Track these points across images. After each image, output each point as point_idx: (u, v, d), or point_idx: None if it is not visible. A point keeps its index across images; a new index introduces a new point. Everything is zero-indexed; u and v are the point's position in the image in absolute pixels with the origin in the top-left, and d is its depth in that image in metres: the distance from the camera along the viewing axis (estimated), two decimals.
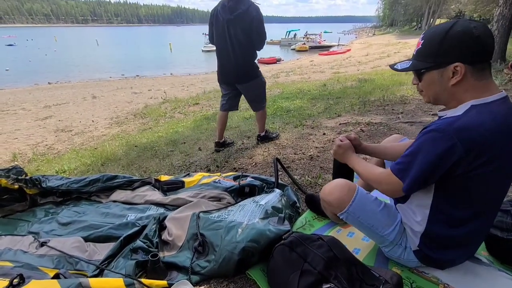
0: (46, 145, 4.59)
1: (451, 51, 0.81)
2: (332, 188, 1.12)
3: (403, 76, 6.02)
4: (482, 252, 1.22)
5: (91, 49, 37.73)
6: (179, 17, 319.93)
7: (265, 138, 2.75)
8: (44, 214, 1.87)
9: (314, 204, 1.50)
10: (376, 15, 66.96)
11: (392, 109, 3.44)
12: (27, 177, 2.06)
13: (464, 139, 0.77)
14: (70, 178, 2.12)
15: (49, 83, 14.91)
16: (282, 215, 1.24)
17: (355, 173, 1.21)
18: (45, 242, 1.41)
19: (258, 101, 2.56)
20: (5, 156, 4.10)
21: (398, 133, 2.57)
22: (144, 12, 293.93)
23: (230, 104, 2.58)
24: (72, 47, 40.29)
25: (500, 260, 1.18)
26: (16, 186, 1.97)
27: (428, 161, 0.81)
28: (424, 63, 0.87)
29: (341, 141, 1.21)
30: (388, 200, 1.25)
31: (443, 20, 43.78)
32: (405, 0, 42.83)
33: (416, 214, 1.00)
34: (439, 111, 0.99)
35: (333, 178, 1.35)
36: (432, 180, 0.88)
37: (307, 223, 1.43)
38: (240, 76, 2.32)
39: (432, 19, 39.33)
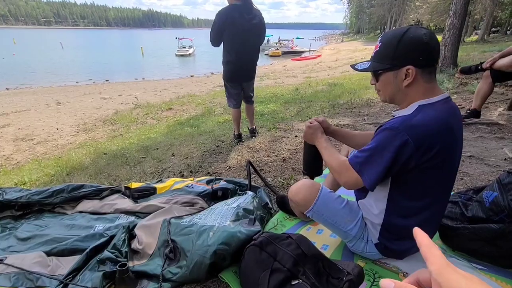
0: (3, 155, 4.24)
1: (404, 54, 0.89)
2: (298, 188, 1.17)
3: (369, 81, 6.37)
4: (436, 241, 1.33)
5: (55, 53, 35.43)
6: (151, 20, 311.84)
7: (255, 130, 3.05)
8: (1, 230, 1.73)
9: (285, 205, 1.55)
10: (344, 22, 70.35)
11: (359, 112, 3.64)
12: None
13: (414, 135, 0.85)
14: (30, 190, 1.99)
15: (6, 88, 13.75)
16: (253, 216, 1.26)
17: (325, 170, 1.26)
18: (1, 260, 1.31)
19: (253, 95, 2.93)
20: None
21: None
22: (113, 15, 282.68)
23: (240, 101, 2.83)
24: (33, 50, 37.56)
25: (452, 247, 1.29)
26: None
27: (386, 157, 0.89)
28: (381, 64, 0.95)
29: (310, 123, 1.25)
30: (351, 197, 1.32)
31: None
32: (370, 9, 45.49)
33: (374, 208, 1.08)
34: (394, 111, 1.08)
35: (304, 163, 1.39)
36: (389, 174, 0.95)
37: (279, 224, 1.47)
38: (251, 74, 2.70)
39: (394, 27, 42.11)
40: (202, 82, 12.99)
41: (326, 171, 1.84)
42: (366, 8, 47.48)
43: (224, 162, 2.48)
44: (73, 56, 33.57)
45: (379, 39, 0.97)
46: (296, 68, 15.82)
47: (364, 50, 25.00)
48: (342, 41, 50.84)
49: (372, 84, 1.04)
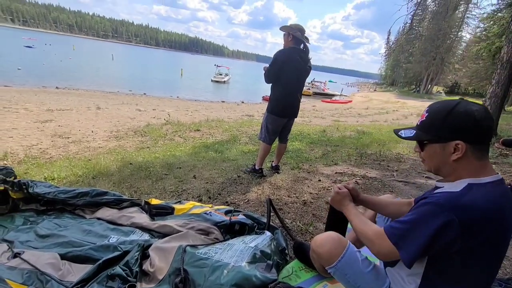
0: (40, 148, 4.53)
1: (453, 129, 0.86)
2: (324, 240, 1.11)
3: (398, 128, 6.24)
4: None
5: (105, 62, 39.12)
6: (195, 46, 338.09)
7: (279, 168, 3.10)
8: (23, 222, 1.79)
9: (302, 253, 1.47)
10: (379, 73, 71.45)
11: (388, 166, 3.52)
12: (16, 180, 2.01)
13: (462, 217, 0.79)
14: (58, 187, 2.07)
15: (57, 87, 15.18)
16: (270, 262, 1.20)
17: (348, 224, 1.20)
18: (19, 254, 1.34)
19: (289, 132, 3.03)
20: None
21: (392, 191, 2.60)
22: (163, 37, 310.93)
23: (275, 138, 2.89)
24: (87, 58, 41.77)
25: None
26: (2, 188, 1.91)
27: (427, 235, 0.82)
28: (427, 135, 0.92)
29: (339, 188, 1.22)
30: (378, 261, 1.23)
31: (439, 88, 46.71)
32: (406, 65, 46.05)
33: (406, 283, 0.98)
34: (436, 180, 1.02)
35: (327, 225, 1.34)
36: (428, 254, 0.88)
37: (293, 273, 1.38)
38: (297, 112, 2.84)
39: (430, 85, 42.00)
40: (231, 109, 13.46)
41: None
42: (403, 63, 48.17)
43: (244, 194, 2.45)
44: (120, 67, 36.77)
45: (426, 108, 0.96)
46: (325, 109, 16.00)
47: (397, 103, 24.95)
48: (375, 90, 51.25)
49: (416, 152, 1.01)
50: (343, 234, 1.31)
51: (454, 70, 40.43)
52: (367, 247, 0.98)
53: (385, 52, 57.90)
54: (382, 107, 20.01)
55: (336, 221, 1.25)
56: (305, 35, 2.60)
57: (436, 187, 0.97)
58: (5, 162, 3.72)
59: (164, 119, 7.47)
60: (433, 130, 0.90)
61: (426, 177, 3.07)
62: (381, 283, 1.05)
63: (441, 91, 45.66)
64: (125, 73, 30.08)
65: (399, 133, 1.00)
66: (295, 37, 2.54)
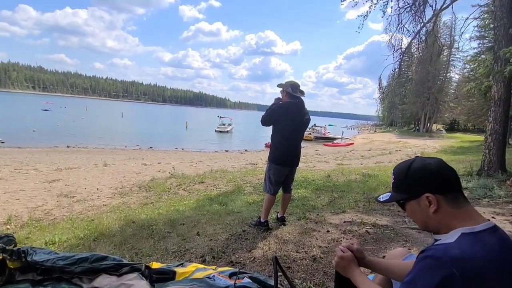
0: (45, 209, 4.51)
1: (416, 184, 0.90)
2: None
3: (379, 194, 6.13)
4: None
5: (115, 120, 41.27)
6: (199, 100, 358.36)
7: (285, 219, 3.03)
8: None
9: None
10: (376, 115, 73.42)
11: (398, 211, 3.39)
12: (15, 248, 1.96)
13: (461, 269, 0.76)
14: (58, 254, 2.01)
15: (68, 146, 15.78)
16: None
17: None
18: None
19: (293, 184, 3.06)
20: (0, 218, 4.00)
21: (406, 241, 2.45)
22: (169, 94, 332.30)
23: (278, 188, 2.90)
24: (98, 117, 44.24)
25: None
26: (0, 257, 1.86)
27: None
28: (399, 195, 0.96)
29: (342, 251, 1.17)
30: None
31: (439, 126, 47.31)
32: (402, 106, 47.51)
33: None
34: (434, 233, 0.99)
35: None
36: None
37: None
38: (297, 160, 2.91)
39: (429, 124, 42.66)
40: (235, 158, 13.62)
41: None
42: (398, 104, 49.77)
43: (249, 251, 2.33)
44: (128, 123, 38.63)
45: (393, 171, 1.00)
46: (328, 153, 16.10)
47: (399, 142, 25.09)
48: (375, 131, 52.04)
49: (403, 211, 1.02)
50: None
51: (450, 108, 41.46)
52: None
53: (379, 96, 60.45)
54: (385, 147, 20.09)
55: (344, 286, 1.17)
56: (301, 87, 2.80)
57: (435, 240, 0.95)
58: (8, 226, 3.68)
59: (169, 172, 7.54)
60: (402, 189, 0.94)
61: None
62: None
63: (441, 129, 46.15)
64: (133, 129, 31.48)
65: (378, 199, 1.04)
66: (288, 92, 2.76)
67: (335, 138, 31.74)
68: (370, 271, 1.17)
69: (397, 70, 9.34)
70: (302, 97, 2.81)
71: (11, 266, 1.88)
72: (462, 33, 9.95)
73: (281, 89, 2.84)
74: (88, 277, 1.89)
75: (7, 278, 1.86)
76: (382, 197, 1.01)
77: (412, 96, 41.91)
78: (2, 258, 1.88)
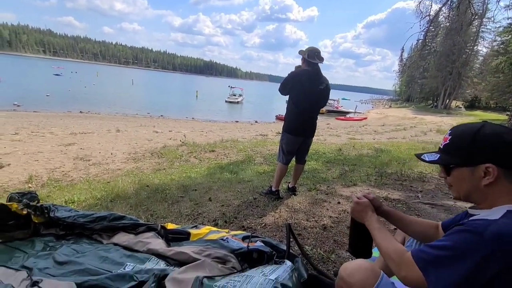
0: (63, 171, 4.70)
1: (482, 151, 0.81)
2: (354, 270, 1.02)
3: (420, 152, 6.00)
4: None
5: (125, 87, 41.26)
6: (210, 69, 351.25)
7: (296, 189, 3.03)
8: (43, 247, 1.81)
9: (319, 287, 1.36)
10: (393, 89, 70.55)
11: (411, 186, 3.35)
12: (38, 204, 2.06)
13: (503, 249, 0.71)
14: (78, 212, 2.10)
15: (80, 112, 16.04)
16: None
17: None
18: (37, 282, 1.33)
19: (307, 155, 3.00)
20: (22, 177, 4.20)
21: (419, 215, 2.44)
22: (179, 62, 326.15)
23: (291, 158, 2.88)
24: (109, 83, 44.28)
25: None
26: (25, 212, 1.96)
27: (465, 267, 0.74)
28: (452, 158, 0.87)
29: (358, 198, 1.14)
30: None
31: (459, 102, 45.31)
32: (421, 80, 45.28)
33: None
34: (469, 208, 0.95)
35: (350, 241, 1.25)
36: (466, 287, 0.79)
37: None
38: (313, 131, 2.87)
39: (448, 100, 40.85)
40: (245, 129, 13.59)
41: (375, 253, 1.63)
42: (417, 78, 47.43)
43: (260, 217, 2.38)
44: (139, 91, 38.58)
45: (449, 131, 0.92)
46: (340, 127, 15.84)
47: (414, 119, 24.35)
48: (390, 107, 50.34)
49: (441, 177, 0.95)
50: (369, 249, 1.21)
51: (473, 84, 39.32)
52: (392, 269, 0.90)
53: (398, 69, 57.56)
54: (399, 123, 19.56)
55: (360, 235, 1.15)
56: (320, 54, 2.65)
57: (470, 214, 0.90)
58: (29, 185, 3.87)
59: (180, 140, 7.63)
60: (460, 154, 0.85)
61: (454, 198, 2.88)
62: None
63: (461, 106, 44.20)
64: (144, 97, 31.48)
65: (422, 157, 0.95)
66: (306, 59, 2.66)
67: (348, 112, 31.02)
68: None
69: (421, 40, 8.71)
70: (320, 64, 2.67)
71: (36, 221, 1.98)
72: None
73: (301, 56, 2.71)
74: (107, 234, 1.98)
75: (33, 231, 1.97)
76: (428, 157, 0.93)
77: (434, 70, 39.70)
78: (27, 213, 1.97)
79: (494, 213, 0.79)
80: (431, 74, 40.66)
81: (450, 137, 0.89)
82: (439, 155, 0.91)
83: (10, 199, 2.09)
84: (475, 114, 32.41)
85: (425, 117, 25.31)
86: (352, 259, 1.42)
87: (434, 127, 15.52)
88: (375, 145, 7.20)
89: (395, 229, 2.03)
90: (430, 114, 31.35)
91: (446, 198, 2.91)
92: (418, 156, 0.98)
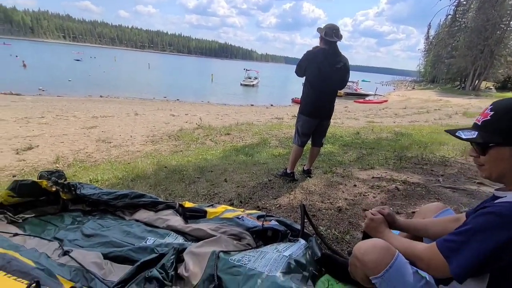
0: (86, 152, 4.93)
1: None
2: (369, 248, 1.02)
3: (444, 136, 5.74)
4: None
5: (142, 71, 41.81)
6: (225, 52, 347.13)
7: (311, 172, 3.01)
8: (71, 221, 1.93)
9: (331, 267, 1.37)
10: (417, 70, 66.72)
11: (431, 170, 3.23)
12: (66, 182, 2.19)
13: None
14: (102, 189, 2.21)
15: (101, 96, 16.53)
16: (306, 273, 1.14)
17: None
18: (68, 252, 1.43)
19: (324, 136, 2.94)
20: (50, 157, 4.46)
21: (438, 199, 2.37)
22: (195, 45, 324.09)
23: (307, 141, 2.84)
24: (127, 68, 44.97)
25: None
26: (54, 189, 2.09)
27: (486, 249, 0.72)
28: (494, 136, 0.81)
29: (373, 214, 1.14)
30: (427, 276, 1.11)
31: (489, 83, 42.32)
32: (449, 60, 42.39)
33: None
34: (496, 190, 0.90)
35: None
36: (487, 270, 0.77)
37: (329, 286, 1.30)
38: (330, 112, 2.79)
39: (477, 81, 38.22)
40: (261, 112, 13.51)
41: None
42: (445, 58, 44.42)
43: (275, 198, 2.41)
44: (155, 75, 39.00)
45: (490, 106, 0.85)
46: (358, 110, 15.37)
47: (439, 101, 23.11)
48: (413, 88, 47.82)
49: (471, 156, 0.90)
50: None
51: (506, 63, 36.35)
52: (419, 267, 0.89)
53: (424, 48, 54.02)
54: (422, 106, 18.65)
55: None
56: (339, 32, 2.52)
57: (496, 197, 0.86)
58: (57, 165, 4.10)
59: (196, 124, 7.73)
60: (502, 132, 0.79)
61: (478, 183, 2.76)
62: None
63: (491, 87, 41.24)
64: (160, 81, 31.84)
65: (456, 134, 0.89)
66: (323, 38, 2.54)
67: (367, 95, 29.90)
68: None
69: (451, 15, 8.05)
70: (338, 42, 2.55)
71: (64, 197, 2.11)
72: None
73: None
74: (129, 211, 2.08)
75: (62, 207, 2.11)
76: (464, 134, 0.87)
77: (463, 48, 36.87)
78: (56, 190, 2.11)
79: None
80: (460, 52, 37.84)
81: (491, 113, 0.82)
82: (476, 132, 0.85)
83: (40, 177, 2.23)
84: (507, 96, 30.25)
85: (451, 100, 23.94)
86: None
87: (460, 110, 14.68)
88: (395, 129, 6.95)
89: (413, 212, 2.00)
90: (457, 96, 29.58)
91: (469, 183, 2.80)
92: (452, 133, 0.92)
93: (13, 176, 3.48)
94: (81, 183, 2.25)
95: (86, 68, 34.34)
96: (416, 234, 1.18)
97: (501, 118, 0.80)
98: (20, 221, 1.85)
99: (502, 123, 0.79)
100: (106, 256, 1.41)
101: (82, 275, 1.28)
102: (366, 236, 1.18)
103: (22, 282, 1.11)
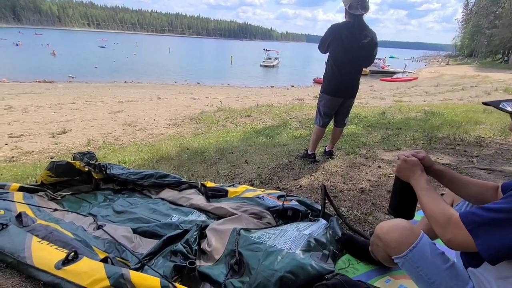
0: (114, 135, 5.18)
1: None
2: (392, 227, 0.99)
3: (480, 114, 5.30)
4: None
5: (163, 56, 42.34)
6: (244, 32, 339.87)
7: (333, 153, 2.95)
8: (103, 199, 2.07)
9: (352, 247, 1.36)
10: (453, 43, 61.13)
11: (465, 151, 3.03)
12: (97, 163, 2.33)
13: None
14: (129, 170, 2.33)
15: (125, 81, 17.08)
16: (327, 252, 1.15)
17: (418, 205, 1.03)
18: (102, 226, 1.55)
19: (348, 116, 2.80)
20: (82, 141, 4.75)
21: None
22: (213, 26, 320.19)
23: (329, 121, 2.77)
24: (148, 53, 45.74)
25: None
26: (86, 169, 2.23)
27: None
28: None
29: (406, 156, 1.05)
30: (455, 258, 1.06)
31: None
32: (491, 30, 38.28)
33: (494, 287, 0.82)
34: None
35: (391, 202, 1.19)
36: None
37: (350, 266, 1.30)
38: (353, 92, 2.64)
39: None
40: (281, 94, 13.28)
41: (417, 216, 1.55)
42: (486, 28, 40.17)
43: (296, 179, 2.40)
44: (176, 59, 39.34)
45: None
46: (384, 89, 14.59)
47: (476, 77, 21.19)
48: (447, 64, 44.04)
49: None
50: (412, 211, 1.14)
51: None
52: (437, 232, 0.83)
53: (462, 18, 49.01)
54: (457, 83, 17.25)
55: (403, 195, 1.07)
56: (366, 3, 2.34)
57: None
58: (88, 147, 4.36)
59: (217, 106, 7.78)
60: None
61: None
62: (462, 284, 0.90)
63: None
64: (181, 65, 32.09)
65: (500, 106, 0.80)
66: (347, 11, 2.37)
67: (395, 72, 28.12)
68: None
69: None
70: (364, 15, 2.37)
71: (96, 177, 2.26)
72: None
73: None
74: (155, 190, 2.18)
75: (95, 186, 2.26)
76: (510, 106, 0.80)
77: (508, 17, 33.05)
78: (88, 170, 2.26)
79: None
80: (505, 21, 33.91)
81: None
82: None
83: (74, 158, 2.38)
84: None
85: (491, 75, 21.82)
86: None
87: (501, 86, 13.37)
88: (425, 108, 6.53)
89: (442, 194, 1.90)
90: (498, 70, 26.88)
91: (508, 164, 2.59)
92: (494, 105, 0.83)
93: (51, 158, 3.77)
94: (110, 164, 2.37)
95: (110, 55, 35.38)
96: (449, 187, 1.09)
97: None
98: (59, 198, 2.02)
99: None
100: (135, 231, 1.51)
101: (115, 247, 1.39)
102: (398, 181, 1.09)
103: (63, 251, 1.22)
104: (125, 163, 3.14)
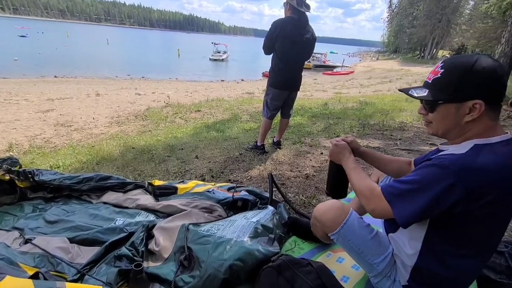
0: (44, 138, 4.56)
1: (472, 86, 0.78)
2: (327, 208, 1.11)
3: (403, 103, 6.10)
4: None
5: (101, 47, 38.23)
6: (190, 24, 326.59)
7: (280, 143, 3.08)
8: (32, 210, 1.83)
9: (297, 229, 1.48)
10: (381, 40, 68.53)
11: (391, 135, 3.47)
12: (20, 169, 2.03)
13: (466, 180, 0.75)
14: (63, 174, 2.10)
15: (55, 76, 15.00)
16: (272, 235, 1.22)
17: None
18: (30, 239, 1.38)
19: (293, 110, 2.97)
20: (1, 146, 4.07)
21: None
22: (157, 17, 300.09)
23: (276, 113, 2.86)
24: (82, 44, 40.73)
25: None
26: (7, 178, 1.94)
27: (427, 197, 0.80)
28: (442, 94, 0.83)
29: (337, 141, 1.19)
30: (380, 229, 1.24)
31: (445, 52, 44.89)
32: (410, 29, 43.93)
33: (408, 247, 0.98)
34: (440, 144, 0.97)
35: (328, 182, 1.33)
36: (428, 217, 0.86)
37: (296, 246, 1.41)
38: (298, 84, 2.78)
39: (435, 50, 40.30)
40: (231, 88, 13.24)
41: (351, 194, 1.75)
42: (406, 28, 45.90)
43: (246, 171, 2.46)
44: (116, 51, 35.97)
45: (440, 64, 0.87)
46: (326, 82, 15.65)
47: (400, 70, 24.18)
48: (378, 59, 49.38)
49: (421, 114, 0.94)
50: (345, 190, 1.28)
51: (461, 31, 38.58)
52: (363, 204, 0.96)
53: (387, 17, 55.08)
54: (385, 76, 19.45)
55: (336, 176, 1.21)
56: (307, 2, 2.47)
57: (439, 150, 0.93)
58: (10, 153, 3.77)
59: (164, 102, 7.40)
60: (450, 89, 0.81)
61: (430, 143, 3.03)
62: (384, 249, 1.05)
63: (447, 55, 43.92)
64: (122, 57, 29.43)
65: (409, 92, 0.91)
66: (292, 6, 2.45)
67: (335, 67, 30.33)
68: None
69: None
70: (307, 12, 2.51)
71: (21, 186, 1.98)
72: None
73: (284, 1, 2.51)
74: (96, 194, 2.01)
75: (20, 196, 1.98)
76: (417, 92, 0.89)
77: (423, 17, 38.33)
78: (10, 178, 1.96)
79: (462, 148, 0.82)
80: (420, 22, 39.34)
81: (442, 70, 0.84)
82: (427, 90, 0.87)
83: None
84: (469, 54, 32.30)
85: (411, 69, 25.16)
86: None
87: (420, 78, 15.54)
88: (360, 98, 7.23)
89: (370, 175, 2.16)
90: (417, 65, 31.08)
91: (423, 144, 3.06)
92: (406, 92, 0.93)
93: None
94: (39, 169, 2.10)
95: (34, 45, 30.52)
96: (374, 165, 1.27)
97: (450, 76, 0.82)
98: None
99: (450, 81, 0.82)
100: (72, 240, 1.38)
101: (47, 260, 1.25)
102: (331, 164, 1.22)
103: None
104: (58, 167, 2.81)
